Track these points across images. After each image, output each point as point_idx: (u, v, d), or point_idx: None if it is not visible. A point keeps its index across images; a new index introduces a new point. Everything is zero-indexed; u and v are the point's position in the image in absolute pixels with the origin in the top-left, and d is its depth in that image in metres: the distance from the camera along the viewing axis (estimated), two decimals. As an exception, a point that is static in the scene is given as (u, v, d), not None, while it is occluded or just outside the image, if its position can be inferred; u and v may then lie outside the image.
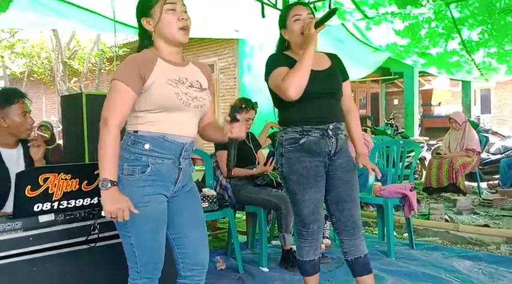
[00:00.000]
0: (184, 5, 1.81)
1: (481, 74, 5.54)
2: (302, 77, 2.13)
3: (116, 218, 1.65)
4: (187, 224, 1.89)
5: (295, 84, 2.12)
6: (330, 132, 2.25)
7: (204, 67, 1.99)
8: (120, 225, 1.76)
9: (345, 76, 2.41)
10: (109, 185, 1.64)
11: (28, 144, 2.54)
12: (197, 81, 1.86)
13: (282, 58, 2.31)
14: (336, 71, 2.34)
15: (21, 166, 2.44)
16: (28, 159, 2.52)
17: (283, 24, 2.33)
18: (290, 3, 2.56)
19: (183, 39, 1.79)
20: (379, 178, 2.50)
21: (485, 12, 4.65)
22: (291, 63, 2.21)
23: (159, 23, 1.76)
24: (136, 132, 1.76)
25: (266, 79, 2.32)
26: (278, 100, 2.30)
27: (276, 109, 2.44)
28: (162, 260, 1.85)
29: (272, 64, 2.29)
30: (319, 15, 2.25)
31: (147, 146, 1.73)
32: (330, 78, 2.30)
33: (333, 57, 2.41)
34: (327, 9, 2.12)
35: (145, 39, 1.83)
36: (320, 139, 2.24)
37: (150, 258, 1.81)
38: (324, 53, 2.43)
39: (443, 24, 4.90)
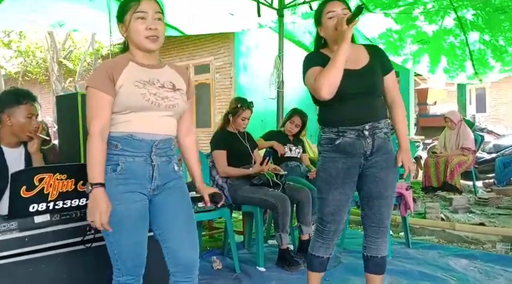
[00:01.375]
0: (159, 12, 1.83)
1: (475, 72, 5.52)
2: (334, 76, 2.09)
3: (94, 222, 1.70)
4: (169, 219, 1.90)
5: (327, 84, 2.08)
6: (366, 133, 2.21)
7: (181, 70, 2.02)
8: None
9: (387, 69, 2.31)
10: (89, 188, 1.71)
11: None
12: (170, 82, 1.88)
13: (317, 57, 2.27)
14: (374, 66, 2.25)
15: (21, 166, 2.45)
16: (28, 160, 2.52)
17: (318, 21, 2.29)
18: (320, 0, 2.50)
19: (151, 47, 1.82)
20: (411, 180, 2.47)
21: (481, 2, 4.67)
22: (326, 61, 2.16)
23: (128, 29, 1.82)
24: (110, 132, 1.80)
25: (304, 79, 2.27)
26: (315, 100, 2.28)
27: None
28: (143, 258, 1.87)
29: (307, 63, 2.25)
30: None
31: (117, 146, 1.78)
32: (367, 76, 2.22)
33: (373, 51, 2.32)
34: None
35: (124, 45, 1.90)
36: (355, 140, 2.21)
37: (128, 255, 1.83)
38: (364, 45, 2.37)
39: (439, 3, 4.90)
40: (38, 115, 2.56)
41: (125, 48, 1.90)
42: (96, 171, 1.72)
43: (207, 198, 2.03)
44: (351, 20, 2.09)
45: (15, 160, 2.46)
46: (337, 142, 2.22)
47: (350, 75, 2.14)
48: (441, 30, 5.26)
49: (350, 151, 2.22)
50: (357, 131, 2.20)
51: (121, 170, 1.77)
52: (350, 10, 2.23)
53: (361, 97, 2.19)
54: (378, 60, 2.28)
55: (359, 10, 2.08)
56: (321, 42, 2.33)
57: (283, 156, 4.18)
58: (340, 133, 2.22)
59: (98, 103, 1.75)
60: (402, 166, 2.33)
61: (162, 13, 1.86)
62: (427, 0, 4.89)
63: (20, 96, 2.50)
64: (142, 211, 1.84)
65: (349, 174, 2.25)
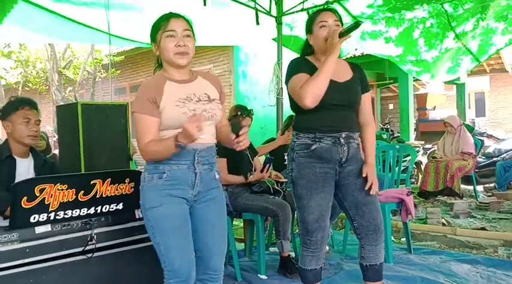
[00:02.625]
0: (188, 29, 1.94)
1: (473, 56, 5.47)
2: (320, 86, 2.13)
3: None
4: (208, 231, 2.01)
5: (313, 93, 2.13)
6: (342, 140, 2.26)
7: (213, 78, 2.11)
8: (148, 229, 1.93)
9: (366, 88, 2.40)
10: (177, 143, 1.79)
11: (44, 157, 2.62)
12: (205, 93, 1.98)
13: (304, 63, 2.30)
14: (355, 83, 2.33)
15: (30, 176, 2.47)
16: (39, 170, 2.55)
17: (309, 28, 2.33)
18: (318, 8, 2.54)
19: (180, 62, 1.93)
20: (374, 193, 2.48)
21: (479, 8, 4.67)
22: (312, 69, 2.21)
23: (160, 48, 1.93)
24: None
25: (286, 83, 2.32)
26: (295, 105, 2.31)
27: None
28: (191, 261, 1.94)
29: (293, 69, 2.29)
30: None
31: None
32: (349, 90, 2.29)
33: (356, 68, 2.39)
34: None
35: (157, 62, 2.03)
36: (331, 147, 2.25)
37: (174, 254, 1.90)
38: (348, 62, 2.42)
39: (438, 21, 4.91)
40: (38, 120, 2.58)
41: (159, 65, 2.01)
42: (165, 141, 1.83)
43: (233, 137, 1.96)
44: (344, 34, 2.13)
45: (25, 171, 2.50)
46: (313, 147, 2.26)
47: (333, 87, 2.18)
48: (441, 54, 5.29)
49: (326, 156, 2.26)
50: (334, 138, 2.25)
51: (166, 177, 1.89)
52: (341, 22, 2.28)
53: (340, 109, 2.26)
54: (359, 78, 2.36)
55: (355, 26, 2.12)
56: (308, 49, 2.38)
57: (283, 162, 4.18)
58: (317, 139, 2.26)
59: (145, 127, 1.88)
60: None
61: (191, 30, 1.97)
62: (426, 15, 4.90)
63: (16, 102, 2.56)
64: (183, 214, 1.94)
65: (327, 179, 2.29)
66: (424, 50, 5.27)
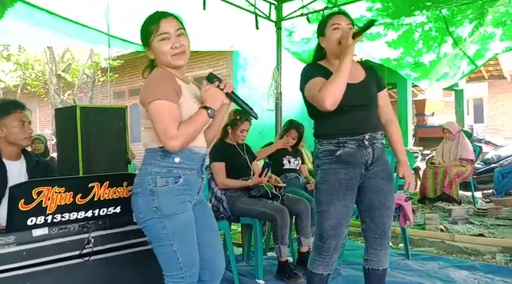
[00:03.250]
0: (181, 28, 1.87)
1: (470, 59, 5.49)
2: (339, 88, 2.11)
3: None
4: (206, 232, 2.00)
5: (332, 95, 2.09)
6: (366, 142, 2.23)
7: (198, 85, 2.08)
8: (161, 235, 1.84)
9: (381, 86, 2.38)
10: (210, 110, 1.81)
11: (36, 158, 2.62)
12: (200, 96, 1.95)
13: (318, 68, 2.29)
14: (370, 82, 2.32)
15: (23, 179, 2.46)
16: (31, 172, 2.54)
17: (321, 31, 2.32)
18: (330, 11, 2.55)
19: (179, 63, 1.88)
20: (410, 192, 2.50)
21: (477, 14, 4.70)
22: (326, 73, 2.19)
23: (154, 52, 1.88)
24: (162, 147, 1.81)
25: (301, 89, 2.29)
26: (313, 112, 2.28)
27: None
28: (198, 266, 1.94)
29: (308, 74, 2.27)
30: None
31: (177, 159, 1.84)
32: (364, 90, 2.27)
33: (368, 68, 2.38)
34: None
35: (152, 63, 1.95)
36: (356, 150, 2.22)
37: (193, 261, 1.90)
38: (359, 62, 2.42)
39: (436, 25, 4.93)
40: (30, 121, 2.58)
41: (151, 66, 1.94)
42: (195, 117, 1.81)
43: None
44: (357, 34, 2.12)
45: (17, 173, 2.48)
46: (338, 153, 2.22)
47: (349, 88, 2.16)
48: (438, 59, 5.31)
49: (351, 161, 2.22)
50: (357, 141, 2.22)
51: (183, 182, 1.85)
52: (353, 26, 2.27)
53: (359, 109, 2.23)
54: (373, 77, 2.35)
55: (369, 25, 2.11)
56: (321, 53, 2.36)
57: (282, 167, 4.18)
58: (341, 144, 2.22)
59: (174, 114, 1.77)
60: (402, 178, 2.37)
61: (183, 27, 1.90)
62: (424, 20, 4.93)
63: (8, 106, 2.54)
64: (194, 220, 1.92)
65: (351, 185, 2.25)
66: (424, 51, 5.29)
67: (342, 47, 2.16)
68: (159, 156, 1.84)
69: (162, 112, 1.75)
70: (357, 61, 2.43)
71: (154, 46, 1.86)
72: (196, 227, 1.93)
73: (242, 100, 1.91)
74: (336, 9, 4.71)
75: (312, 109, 2.27)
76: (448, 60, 5.44)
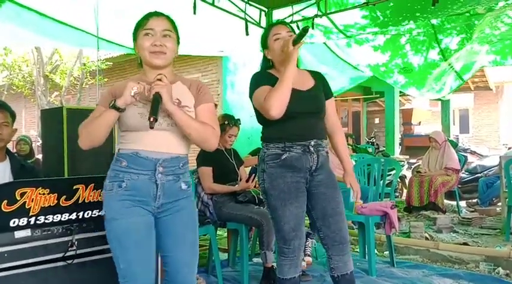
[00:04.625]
0: (169, 29, 1.87)
1: (457, 74, 5.60)
2: (283, 96, 2.16)
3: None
4: (172, 243, 1.90)
5: (277, 104, 2.15)
6: (312, 148, 2.28)
7: (193, 83, 2.00)
8: (108, 239, 1.83)
9: (329, 95, 2.44)
10: (114, 103, 1.77)
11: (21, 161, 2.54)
12: (177, 99, 1.86)
13: (265, 76, 2.34)
14: (318, 90, 2.37)
15: (6, 181, 2.40)
16: (16, 173, 2.49)
17: (264, 44, 2.39)
18: (271, 23, 2.63)
19: (155, 62, 1.87)
20: (358, 200, 2.54)
21: (465, 26, 4.79)
22: (274, 81, 2.23)
23: (137, 47, 1.90)
24: (118, 151, 1.87)
25: (250, 97, 2.34)
26: (261, 118, 2.33)
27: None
28: (150, 274, 1.85)
29: (255, 82, 2.32)
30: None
31: (123, 163, 1.82)
32: (312, 98, 2.32)
33: (317, 76, 2.43)
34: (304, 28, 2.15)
35: (140, 61, 1.94)
36: (301, 155, 2.27)
37: (135, 269, 1.81)
38: (308, 71, 2.46)
39: (425, 31, 5.01)
40: (6, 122, 2.48)
41: (141, 65, 1.95)
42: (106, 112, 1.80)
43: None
44: (296, 41, 2.17)
45: (1, 174, 2.42)
46: (284, 157, 2.27)
47: (297, 95, 2.22)
48: (426, 63, 5.38)
49: (296, 165, 2.27)
50: (303, 146, 2.27)
51: (126, 187, 1.81)
52: (294, 33, 2.32)
53: (306, 116, 2.29)
54: (322, 85, 2.41)
55: (304, 32, 2.15)
56: (268, 64, 2.41)
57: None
58: (287, 149, 2.27)
59: (94, 114, 1.86)
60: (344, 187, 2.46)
61: (175, 31, 1.91)
62: (413, 27, 5.00)
63: None
64: (147, 226, 1.84)
65: (299, 187, 2.30)
66: (411, 53, 5.36)
67: (284, 55, 2.22)
68: (114, 159, 1.87)
69: (92, 114, 1.87)
70: (306, 70, 2.47)
71: (138, 42, 1.87)
72: (160, 235, 1.88)
73: (154, 108, 1.74)
74: (324, 18, 4.76)
75: (260, 115, 2.31)
76: (436, 75, 5.54)
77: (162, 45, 1.84)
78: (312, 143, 2.28)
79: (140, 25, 1.87)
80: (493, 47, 5.16)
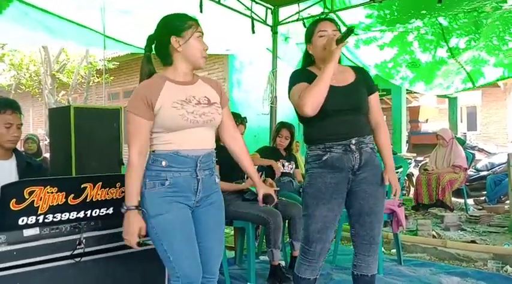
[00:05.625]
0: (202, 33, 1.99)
1: (468, 76, 5.56)
2: (319, 94, 2.11)
3: (126, 241, 1.86)
4: (205, 233, 2.01)
5: (311, 101, 2.10)
6: (353, 147, 2.21)
7: (214, 82, 2.10)
8: (152, 235, 1.91)
9: (372, 90, 2.34)
10: (125, 208, 1.86)
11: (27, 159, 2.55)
12: (205, 97, 1.97)
13: (303, 74, 2.30)
14: (359, 85, 2.29)
15: (13, 178, 2.42)
16: (22, 172, 2.49)
17: (309, 39, 2.33)
18: (317, 18, 2.57)
19: (203, 65, 1.99)
20: (396, 197, 2.49)
21: (472, 25, 4.76)
22: (312, 78, 2.19)
23: (187, 44, 1.92)
24: (154, 151, 1.93)
25: (288, 95, 2.31)
26: (301, 118, 2.29)
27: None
28: (199, 265, 1.95)
29: (293, 80, 2.28)
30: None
31: (164, 163, 1.89)
32: (352, 93, 2.25)
33: (359, 71, 2.38)
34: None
35: (167, 58, 1.97)
36: (343, 155, 2.21)
37: (186, 262, 1.91)
38: (351, 66, 2.42)
39: (432, 30, 4.99)
40: (20, 124, 2.50)
41: (167, 62, 1.97)
42: (134, 194, 1.86)
43: (260, 197, 2.16)
44: (340, 41, 2.13)
45: (6, 172, 2.43)
46: (325, 158, 2.23)
47: (334, 92, 2.16)
48: (435, 61, 5.35)
49: (338, 165, 2.22)
50: (344, 146, 2.21)
51: (169, 185, 1.89)
52: (340, 32, 2.28)
53: (344, 113, 2.22)
54: (363, 80, 2.33)
55: (349, 32, 2.12)
56: (309, 59, 2.37)
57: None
58: (327, 149, 2.23)
59: (135, 127, 1.88)
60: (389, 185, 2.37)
61: None
62: (420, 25, 4.98)
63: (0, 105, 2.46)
64: (189, 218, 1.95)
65: (338, 189, 2.24)
66: (419, 51, 5.33)
67: (326, 53, 2.17)
68: (151, 160, 1.92)
69: (129, 124, 1.88)
70: (349, 66, 2.43)
71: (191, 40, 1.92)
72: (197, 228, 1.98)
73: None
74: (332, 14, 4.75)
75: (299, 114, 2.27)
76: (444, 72, 5.50)
77: (207, 48, 1.97)
78: (353, 141, 2.21)
79: (190, 25, 1.93)
80: (499, 60, 5.15)
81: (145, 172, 1.91)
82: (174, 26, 1.94)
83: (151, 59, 2.03)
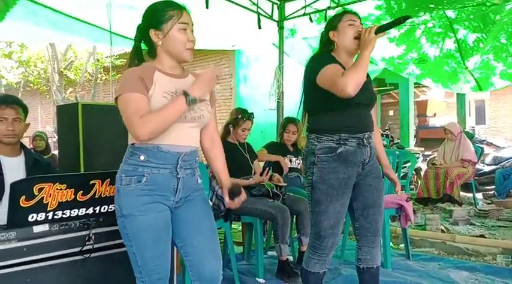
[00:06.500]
0: (193, 24, 1.85)
1: (476, 82, 5.55)
2: (361, 76, 2.05)
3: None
4: (192, 231, 1.88)
5: (355, 81, 2.02)
6: (365, 141, 2.24)
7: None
8: (123, 235, 1.81)
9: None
10: (190, 98, 1.71)
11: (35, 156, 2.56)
12: None
13: (331, 57, 2.25)
14: (371, 84, 2.35)
15: (21, 175, 2.43)
16: (30, 169, 2.51)
17: (334, 26, 2.29)
18: (319, 12, 2.57)
19: (188, 59, 1.85)
20: (398, 192, 2.53)
21: (480, 21, 4.72)
22: (339, 64, 2.17)
23: (167, 38, 1.79)
24: (133, 144, 1.79)
25: (312, 77, 2.19)
26: (317, 105, 2.25)
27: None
28: (167, 269, 1.86)
29: (322, 61, 2.20)
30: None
31: (142, 157, 1.76)
32: (369, 90, 2.30)
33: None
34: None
35: (151, 51, 1.85)
36: (356, 149, 2.22)
37: (153, 267, 1.80)
38: None
39: (440, 23, 4.96)
40: (18, 118, 2.48)
41: (152, 54, 1.86)
42: (171, 103, 1.71)
43: (225, 193, 2.01)
44: (381, 30, 2.09)
45: (14, 169, 2.45)
46: (339, 150, 2.20)
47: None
48: (442, 54, 5.32)
49: (351, 159, 2.21)
50: (358, 139, 2.22)
51: (146, 181, 1.75)
52: (363, 26, 2.27)
53: (363, 108, 2.25)
54: (370, 81, 2.36)
55: (399, 21, 2.07)
56: (329, 46, 2.31)
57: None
58: (342, 142, 2.20)
59: (137, 105, 1.68)
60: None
61: None
62: (427, 18, 4.94)
63: None
64: (165, 222, 1.82)
65: (349, 183, 2.25)
66: (427, 45, 5.30)
67: (362, 41, 2.12)
68: (129, 153, 1.80)
69: (128, 104, 1.69)
70: None
71: (171, 33, 1.78)
72: (176, 226, 1.86)
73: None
74: (339, 8, 4.72)
75: (315, 101, 2.23)
76: (451, 76, 5.49)
77: (194, 40, 1.82)
78: (366, 136, 2.24)
79: (171, 16, 1.78)
80: (508, 67, 5.12)
81: (122, 166, 1.80)
82: (153, 17, 1.81)
83: (140, 49, 1.90)
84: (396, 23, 2.09)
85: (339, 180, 2.21)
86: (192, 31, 1.84)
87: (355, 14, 2.33)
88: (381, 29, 2.09)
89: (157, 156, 1.77)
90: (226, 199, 1.96)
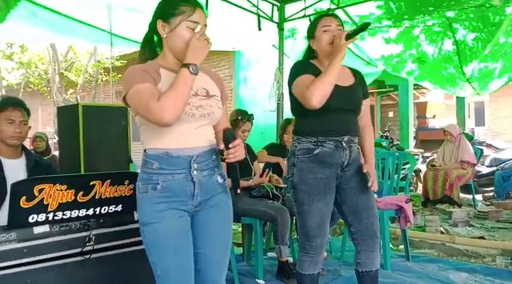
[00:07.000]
0: (206, 25, 1.73)
1: (473, 89, 5.59)
2: (327, 86, 2.10)
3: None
4: (210, 241, 1.80)
5: (320, 93, 2.09)
6: (344, 144, 2.26)
7: (213, 73, 1.91)
8: (144, 244, 1.74)
9: (366, 95, 2.43)
10: (190, 67, 1.60)
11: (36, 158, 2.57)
12: (203, 88, 1.76)
13: (308, 65, 2.30)
14: (358, 88, 2.35)
15: (23, 177, 2.44)
16: (31, 170, 2.52)
17: (311, 33, 2.34)
18: (321, 13, 2.58)
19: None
20: (374, 191, 2.52)
21: (480, 21, 4.73)
22: (317, 71, 2.21)
23: (172, 33, 1.69)
24: (145, 150, 1.74)
25: (289, 85, 2.30)
26: (297, 109, 2.30)
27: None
28: (191, 279, 1.75)
29: (298, 70, 2.27)
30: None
31: (155, 165, 1.69)
32: (352, 95, 2.31)
33: (357, 74, 2.41)
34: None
35: (159, 42, 1.78)
36: (334, 151, 2.25)
37: (174, 277, 1.71)
38: (348, 67, 2.43)
39: (439, 22, 4.96)
40: (24, 121, 2.52)
41: (156, 45, 1.79)
42: (176, 80, 1.59)
43: (222, 146, 1.72)
44: (351, 36, 2.13)
45: (16, 171, 2.46)
46: (316, 151, 2.25)
47: (338, 91, 2.19)
48: (441, 56, 5.32)
49: (328, 161, 2.25)
50: (336, 142, 2.25)
51: (161, 189, 1.68)
52: (343, 27, 2.29)
53: (343, 112, 2.27)
54: (360, 84, 2.39)
55: (364, 26, 2.13)
56: (311, 54, 2.38)
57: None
58: (319, 143, 2.25)
59: (150, 92, 1.57)
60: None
61: None
62: (427, 18, 4.95)
63: (2, 103, 2.51)
64: (184, 228, 1.73)
65: (329, 184, 2.28)
66: (425, 43, 5.31)
67: (333, 47, 2.18)
68: (143, 161, 1.73)
69: (139, 95, 1.58)
70: (347, 66, 2.44)
71: (178, 29, 1.67)
72: (194, 232, 1.77)
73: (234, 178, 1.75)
74: (338, 10, 4.73)
75: (296, 105, 2.29)
76: (449, 79, 5.50)
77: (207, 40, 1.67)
78: (345, 139, 2.26)
79: (182, 11, 1.66)
80: (507, 62, 5.12)
81: (140, 174, 1.74)
82: (164, 8, 1.71)
83: (153, 40, 1.81)
84: (362, 28, 2.15)
85: (317, 180, 2.25)
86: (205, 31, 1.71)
87: (333, 15, 2.36)
88: (350, 35, 2.13)
89: (168, 163, 1.68)
90: (222, 147, 1.72)
